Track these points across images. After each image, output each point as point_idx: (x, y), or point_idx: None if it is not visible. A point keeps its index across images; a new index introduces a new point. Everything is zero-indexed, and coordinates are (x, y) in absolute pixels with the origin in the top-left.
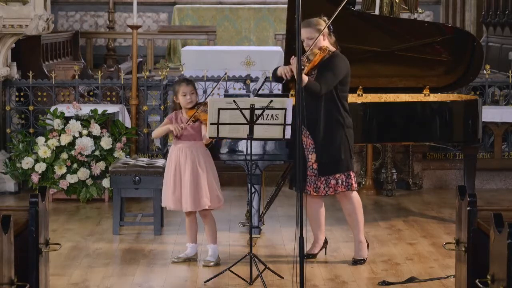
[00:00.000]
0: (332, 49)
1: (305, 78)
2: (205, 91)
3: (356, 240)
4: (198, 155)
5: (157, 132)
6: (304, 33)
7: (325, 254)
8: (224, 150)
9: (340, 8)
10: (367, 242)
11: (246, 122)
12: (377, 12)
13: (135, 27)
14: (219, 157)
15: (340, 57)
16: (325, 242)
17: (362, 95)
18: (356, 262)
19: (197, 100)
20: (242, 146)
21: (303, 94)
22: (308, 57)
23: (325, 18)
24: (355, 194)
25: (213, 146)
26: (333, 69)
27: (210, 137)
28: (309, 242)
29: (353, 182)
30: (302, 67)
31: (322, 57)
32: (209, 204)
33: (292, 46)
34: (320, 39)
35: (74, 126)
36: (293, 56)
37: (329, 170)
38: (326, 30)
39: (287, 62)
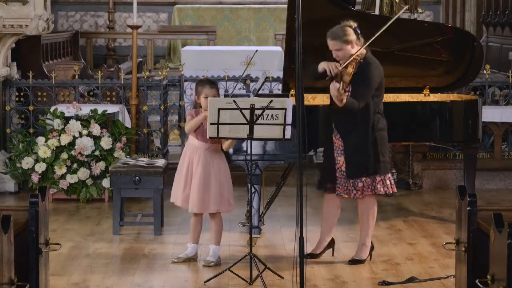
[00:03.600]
0: (363, 52)
1: (344, 98)
2: None
3: (361, 242)
4: (212, 158)
5: (191, 125)
6: (331, 45)
7: (333, 255)
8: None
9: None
10: (372, 245)
11: (246, 122)
12: (377, 12)
13: (135, 27)
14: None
15: (372, 64)
16: (333, 242)
17: None
18: (354, 262)
19: None
20: (242, 146)
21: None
22: (343, 80)
23: (351, 22)
24: (373, 200)
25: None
26: (367, 81)
27: (210, 137)
28: (309, 242)
29: (381, 186)
30: (339, 85)
31: (354, 67)
32: (217, 208)
33: (292, 46)
34: (348, 49)
35: (74, 126)
36: (333, 82)
37: (356, 173)
38: (353, 37)
39: (287, 62)
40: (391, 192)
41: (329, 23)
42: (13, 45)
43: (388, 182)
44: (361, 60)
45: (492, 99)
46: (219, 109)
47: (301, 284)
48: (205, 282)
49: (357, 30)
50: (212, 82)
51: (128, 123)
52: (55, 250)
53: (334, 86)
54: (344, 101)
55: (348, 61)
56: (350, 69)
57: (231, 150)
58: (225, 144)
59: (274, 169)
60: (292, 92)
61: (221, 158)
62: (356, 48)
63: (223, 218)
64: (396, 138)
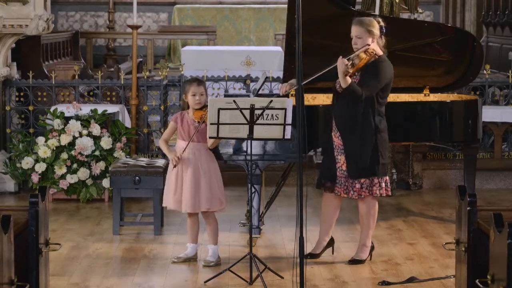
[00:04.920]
0: (380, 52)
1: (348, 80)
2: None
3: (361, 243)
4: (201, 157)
5: (161, 146)
6: (354, 30)
7: (333, 253)
8: (224, 150)
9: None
10: (372, 245)
11: (246, 122)
12: (377, 12)
13: (135, 27)
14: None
15: (385, 63)
16: (332, 241)
17: None
18: (354, 261)
19: (206, 102)
20: (242, 146)
21: (344, 94)
22: (353, 61)
23: (380, 19)
24: (373, 201)
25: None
26: (377, 75)
27: (210, 137)
28: (309, 242)
29: (377, 188)
30: (348, 70)
31: (367, 60)
32: (208, 207)
33: (292, 46)
34: (368, 40)
35: (74, 126)
36: (341, 57)
37: (355, 173)
38: (377, 32)
39: (287, 62)
40: (385, 195)
41: (329, 23)
42: (13, 45)
43: (384, 184)
44: (376, 56)
45: (492, 99)
46: (219, 109)
47: (301, 284)
48: (205, 282)
49: (383, 29)
50: (199, 80)
51: (128, 123)
52: (55, 250)
53: (342, 61)
54: (349, 82)
55: (362, 49)
56: (363, 55)
57: (230, 150)
58: (210, 142)
59: (274, 169)
60: (292, 92)
61: (210, 157)
62: (375, 44)
63: (220, 219)
64: (396, 138)
